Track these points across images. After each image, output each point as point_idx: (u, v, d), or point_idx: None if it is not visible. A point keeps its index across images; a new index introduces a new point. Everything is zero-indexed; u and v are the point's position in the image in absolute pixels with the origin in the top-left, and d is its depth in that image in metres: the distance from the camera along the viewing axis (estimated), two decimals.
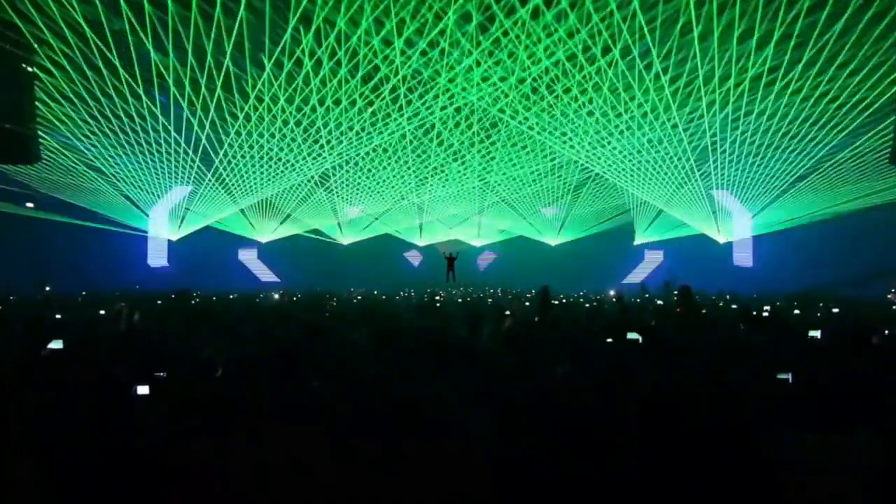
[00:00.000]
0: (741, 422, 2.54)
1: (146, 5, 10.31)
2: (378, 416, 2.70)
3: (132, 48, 11.18)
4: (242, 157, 18.20)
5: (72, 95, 12.85)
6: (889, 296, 14.76)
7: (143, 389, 2.73)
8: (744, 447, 2.29)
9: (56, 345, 4.21)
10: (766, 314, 8.78)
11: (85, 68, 11.75)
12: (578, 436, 2.53)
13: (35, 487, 2.26)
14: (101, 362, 4.00)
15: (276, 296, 16.84)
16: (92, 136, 15.23)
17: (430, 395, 2.81)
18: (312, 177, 21.15)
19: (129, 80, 12.58)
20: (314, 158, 18.89)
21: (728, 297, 15.01)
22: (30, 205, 19.98)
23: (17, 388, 2.85)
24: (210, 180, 19.53)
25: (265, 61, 12.53)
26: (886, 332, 5.81)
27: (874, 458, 2.24)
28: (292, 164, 19.27)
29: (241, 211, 24.22)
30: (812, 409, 2.96)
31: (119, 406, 2.79)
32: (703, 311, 8.56)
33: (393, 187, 23.04)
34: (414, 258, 33.36)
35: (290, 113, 15.50)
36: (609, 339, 5.30)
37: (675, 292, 7.83)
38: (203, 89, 13.56)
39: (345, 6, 11.09)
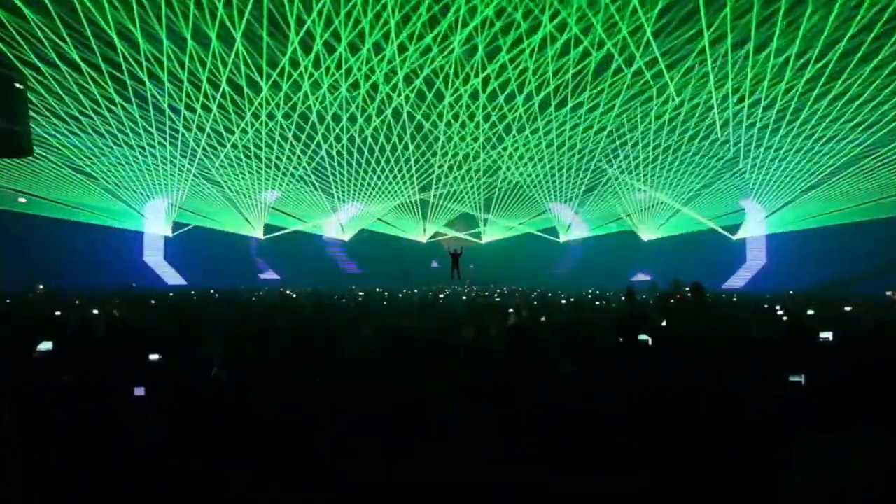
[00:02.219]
0: (741, 422, 2.50)
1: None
2: (378, 416, 2.68)
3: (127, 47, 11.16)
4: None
5: (61, 92, 12.81)
6: (888, 293, 14.60)
7: (139, 391, 2.73)
8: (744, 447, 2.26)
9: (46, 345, 4.21)
10: (779, 312, 8.64)
11: (81, 64, 11.75)
12: (579, 436, 2.50)
13: (34, 487, 2.26)
14: (97, 361, 3.99)
15: None
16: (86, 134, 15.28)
17: (431, 395, 2.78)
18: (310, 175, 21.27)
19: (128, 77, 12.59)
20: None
21: (735, 296, 14.86)
22: (22, 200, 19.78)
23: (15, 387, 2.85)
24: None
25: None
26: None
27: (880, 458, 2.19)
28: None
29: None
30: (818, 408, 2.91)
31: (116, 405, 2.78)
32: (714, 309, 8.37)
33: (397, 186, 23.11)
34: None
35: (289, 128, 15.67)
36: (620, 339, 5.22)
37: (687, 289, 7.76)
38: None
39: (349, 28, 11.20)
